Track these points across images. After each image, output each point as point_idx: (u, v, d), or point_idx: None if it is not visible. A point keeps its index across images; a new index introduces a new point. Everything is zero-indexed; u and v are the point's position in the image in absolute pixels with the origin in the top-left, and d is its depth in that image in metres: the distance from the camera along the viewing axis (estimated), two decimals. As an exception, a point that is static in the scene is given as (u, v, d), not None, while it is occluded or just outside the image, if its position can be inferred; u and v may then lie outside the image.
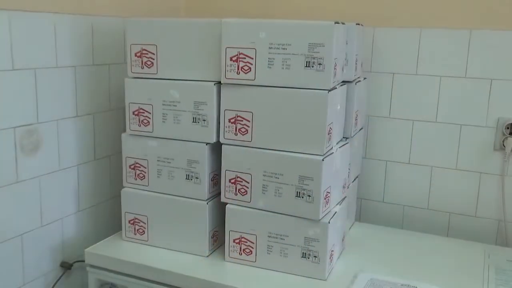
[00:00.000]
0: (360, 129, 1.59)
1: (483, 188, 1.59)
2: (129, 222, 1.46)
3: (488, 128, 1.56)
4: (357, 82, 1.46)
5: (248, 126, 1.29)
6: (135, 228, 1.46)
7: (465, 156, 1.60)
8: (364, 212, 1.75)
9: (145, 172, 1.43)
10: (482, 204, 1.60)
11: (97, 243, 1.46)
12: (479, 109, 1.56)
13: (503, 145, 1.53)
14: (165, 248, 1.43)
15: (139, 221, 1.45)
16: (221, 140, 1.33)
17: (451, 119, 1.60)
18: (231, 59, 1.27)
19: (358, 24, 1.46)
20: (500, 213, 1.57)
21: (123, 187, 1.47)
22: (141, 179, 1.44)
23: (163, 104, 1.37)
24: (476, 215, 1.61)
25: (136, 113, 1.40)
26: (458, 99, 1.58)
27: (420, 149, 1.65)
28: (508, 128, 1.53)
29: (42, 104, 1.38)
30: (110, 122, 1.62)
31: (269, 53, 1.23)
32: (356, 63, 1.45)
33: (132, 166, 1.44)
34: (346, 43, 1.37)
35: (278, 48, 1.22)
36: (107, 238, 1.50)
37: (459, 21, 1.55)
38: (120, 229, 1.51)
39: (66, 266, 1.51)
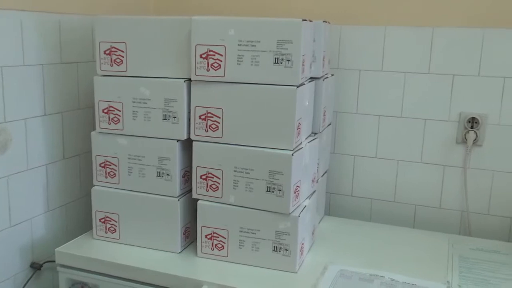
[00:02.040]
0: (328, 125, 1.62)
1: (447, 181, 1.64)
2: (99, 221, 1.45)
3: (451, 122, 1.61)
4: (324, 78, 1.48)
5: (219, 123, 1.29)
6: (106, 227, 1.45)
7: (429, 149, 1.64)
8: (334, 206, 1.78)
9: (115, 170, 1.42)
10: (446, 196, 1.65)
11: (68, 243, 1.44)
12: (442, 104, 1.61)
13: (465, 138, 1.59)
14: (136, 246, 1.43)
15: (110, 219, 1.44)
16: (192, 136, 1.33)
17: (415, 114, 1.64)
18: (201, 56, 1.27)
19: (325, 22, 1.48)
20: (463, 204, 1.62)
21: (93, 185, 1.45)
22: (112, 177, 1.43)
23: (133, 102, 1.36)
24: (441, 207, 1.66)
25: (105, 111, 1.39)
26: (422, 95, 1.62)
27: (387, 143, 1.69)
28: (469, 122, 1.58)
29: (9, 103, 1.36)
30: (79, 121, 1.60)
31: (239, 50, 1.24)
32: (323, 60, 1.47)
33: (102, 164, 1.43)
34: (314, 41, 1.39)
35: (247, 45, 1.23)
36: (77, 237, 1.48)
37: (422, 19, 1.59)
38: (91, 228, 1.49)
39: (36, 267, 1.49)
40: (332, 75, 1.61)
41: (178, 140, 1.35)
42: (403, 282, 1.26)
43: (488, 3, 1.52)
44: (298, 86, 1.23)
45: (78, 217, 1.64)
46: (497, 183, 1.58)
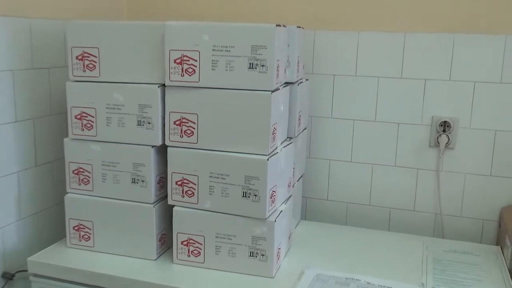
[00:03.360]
0: (304, 129, 1.63)
1: (420, 184, 1.66)
2: (73, 229, 1.43)
3: (424, 126, 1.63)
4: (299, 83, 1.49)
5: (194, 128, 1.29)
6: (80, 234, 1.43)
7: (403, 153, 1.66)
8: (310, 210, 1.79)
9: (89, 177, 1.40)
10: (420, 199, 1.67)
11: (41, 252, 1.42)
12: (415, 108, 1.63)
13: (437, 142, 1.61)
14: (111, 254, 1.41)
15: (84, 227, 1.42)
16: (167, 142, 1.32)
17: (389, 118, 1.66)
18: (175, 62, 1.27)
19: (299, 27, 1.49)
20: (437, 207, 1.65)
21: (67, 193, 1.43)
22: (85, 184, 1.41)
23: (107, 108, 1.35)
24: (415, 209, 1.68)
25: (78, 117, 1.38)
26: (395, 99, 1.65)
27: (361, 147, 1.70)
28: (441, 125, 1.60)
29: (-22, 109, 1.33)
30: (51, 127, 1.58)
31: (213, 55, 1.24)
32: (298, 65, 1.48)
33: (76, 171, 1.41)
34: (288, 46, 1.40)
35: (221, 50, 1.23)
36: (50, 246, 1.46)
37: (394, 24, 1.62)
38: (64, 236, 1.47)
39: (8, 277, 1.45)
40: (307, 80, 1.62)
41: (153, 146, 1.34)
42: (378, 285, 1.27)
43: (458, 10, 1.55)
44: (272, 91, 1.23)
45: (51, 225, 1.62)
46: (469, 186, 1.61)
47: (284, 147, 1.36)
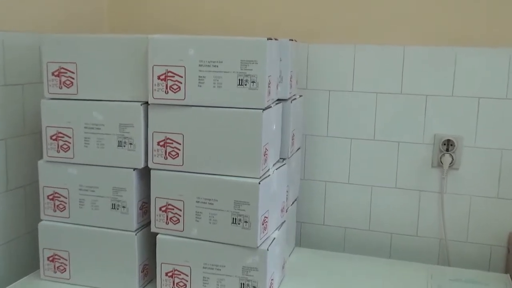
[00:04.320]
0: (298, 149, 1.62)
1: (423, 207, 1.66)
2: (48, 259, 1.40)
3: (425, 145, 1.63)
4: (292, 100, 1.49)
5: (179, 149, 1.28)
6: (55, 266, 1.40)
7: (404, 174, 1.66)
8: (305, 236, 1.77)
9: (65, 203, 1.38)
10: (423, 223, 1.66)
11: (12, 284, 1.39)
12: (415, 126, 1.63)
13: (441, 161, 1.61)
14: (89, 286, 1.38)
15: (59, 258, 1.40)
16: (150, 165, 1.31)
17: (388, 136, 1.66)
18: (158, 78, 1.26)
19: (292, 40, 1.49)
20: (441, 231, 1.64)
21: (41, 220, 1.41)
22: (61, 211, 1.38)
23: (85, 127, 1.34)
24: (418, 235, 1.67)
25: (54, 137, 1.36)
26: (395, 116, 1.65)
27: (359, 168, 1.70)
28: (444, 144, 1.60)
29: None
30: (24, 148, 1.56)
31: (200, 71, 1.23)
32: (291, 80, 1.48)
33: (51, 197, 1.39)
34: (280, 60, 1.40)
35: (208, 66, 1.23)
36: (23, 278, 1.43)
37: (393, 37, 1.62)
38: (38, 267, 1.44)
39: (-26, 313, 1.42)
40: (300, 96, 1.61)
41: (134, 169, 1.32)
42: (380, 318, 1.25)
43: (460, 21, 1.56)
44: (264, 109, 1.22)
45: (24, 255, 1.58)
46: (475, 209, 1.61)
47: (276, 169, 1.35)
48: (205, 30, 1.76)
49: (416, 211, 1.66)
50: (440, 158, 1.61)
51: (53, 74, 1.35)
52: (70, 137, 1.35)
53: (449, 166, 1.60)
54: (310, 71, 1.70)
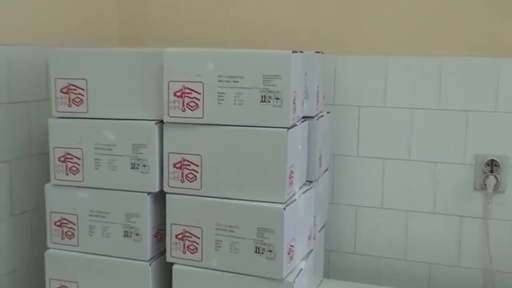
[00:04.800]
0: (325, 171, 1.62)
1: (465, 234, 1.64)
2: (55, 291, 1.42)
3: (467, 166, 1.62)
4: (319, 117, 1.49)
5: (197, 172, 1.29)
6: (62, 298, 1.42)
7: (443, 197, 1.65)
8: (334, 266, 1.77)
9: (74, 230, 1.40)
10: (465, 252, 1.64)
11: (15, 319, 1.40)
12: (455, 145, 1.63)
13: (484, 184, 1.60)
14: (99, 321, 1.39)
15: (67, 289, 1.41)
16: (165, 188, 1.32)
17: (425, 156, 1.66)
18: (175, 95, 1.28)
19: (318, 53, 1.51)
20: (486, 261, 1.62)
21: (48, 248, 1.43)
22: (70, 238, 1.40)
23: (96, 148, 1.36)
24: (459, 265, 1.65)
25: (62, 159, 1.38)
26: (432, 134, 1.64)
27: (393, 191, 1.69)
28: (488, 165, 1.59)
29: None
30: (30, 171, 1.58)
31: (219, 87, 1.25)
32: (317, 96, 1.49)
33: (58, 223, 1.41)
34: (306, 74, 1.41)
35: (228, 81, 1.24)
36: (27, 312, 1.44)
37: (429, 47, 1.63)
38: (44, 299, 1.46)
39: None
40: (328, 112, 1.62)
41: (149, 193, 1.34)
42: None
43: (503, 31, 1.56)
44: (289, 128, 1.23)
45: (29, 286, 1.60)
46: (523, 236, 1.59)
47: (303, 193, 1.36)
48: (223, 43, 1.78)
49: (457, 239, 1.64)
50: (484, 180, 1.59)
51: (61, 91, 1.37)
52: (79, 159, 1.37)
53: (494, 189, 1.58)
54: (338, 86, 1.71)
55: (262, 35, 1.76)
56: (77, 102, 1.37)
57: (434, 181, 1.65)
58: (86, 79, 1.36)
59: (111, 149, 1.35)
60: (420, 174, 1.66)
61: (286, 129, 1.23)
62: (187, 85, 1.27)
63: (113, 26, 1.91)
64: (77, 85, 1.36)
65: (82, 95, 1.36)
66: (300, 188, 1.37)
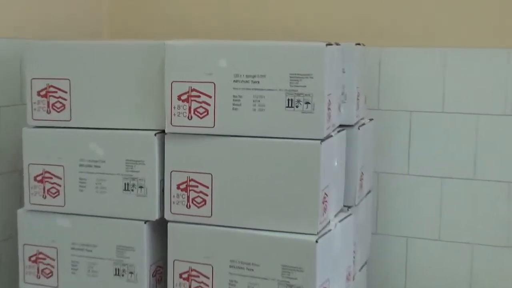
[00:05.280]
0: (368, 193, 1.62)
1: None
2: None
3: (548, 187, 1.61)
4: (360, 125, 1.49)
5: (206, 195, 1.29)
6: None
7: (518, 227, 1.64)
8: (378, 313, 1.77)
9: (53, 267, 1.40)
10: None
11: None
12: (533, 160, 1.62)
13: None
14: None
15: None
16: (167, 215, 1.32)
17: (496, 174, 1.65)
18: (179, 98, 1.28)
19: (359, 45, 1.50)
20: None
21: (20, 289, 1.43)
22: (47, 277, 1.41)
23: (81, 165, 1.36)
24: (539, 313, 1.63)
25: (39, 178, 1.39)
26: (504, 146, 1.63)
27: (454, 218, 1.69)
28: None
29: None
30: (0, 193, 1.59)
31: (234, 88, 1.25)
32: (358, 99, 1.49)
33: (34, 258, 1.41)
34: (343, 72, 1.41)
35: (247, 82, 1.24)
36: None
37: (497, 38, 1.62)
38: None
39: None
40: (371, 119, 1.62)
41: (146, 221, 1.34)
42: None
43: None
44: (322, 140, 1.23)
45: (-4, 336, 1.61)
46: None
47: (340, 221, 1.35)
48: (239, 34, 1.79)
49: (536, 280, 1.63)
50: None
51: (39, 94, 1.38)
52: (60, 178, 1.38)
53: None
54: (383, 85, 1.71)
55: (287, 24, 1.77)
56: (58, 107, 1.38)
57: (508, 206, 1.63)
58: (69, 79, 1.37)
59: (99, 166, 1.35)
60: (489, 197, 1.65)
61: (319, 141, 1.22)
62: (194, 86, 1.27)
63: (103, 18, 1.93)
64: (58, 86, 1.37)
65: (65, 99, 1.37)
66: (336, 215, 1.37)
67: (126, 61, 1.34)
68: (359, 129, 1.47)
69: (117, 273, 1.36)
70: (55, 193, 1.38)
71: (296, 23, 1.76)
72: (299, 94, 1.22)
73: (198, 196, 1.30)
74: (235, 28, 1.81)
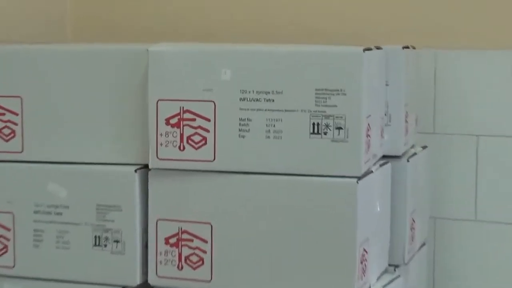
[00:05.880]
0: (421, 247, 1.61)
1: None
2: None
3: None
4: (410, 156, 1.48)
5: (205, 252, 1.29)
6: None
7: None
8: None
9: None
10: None
11: None
12: None
13: None
14: None
15: None
16: (152, 280, 1.32)
17: None
18: (168, 123, 1.27)
19: (407, 48, 1.49)
20: None
21: None
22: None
23: (36, 212, 1.37)
24: None
25: (-19, 230, 1.40)
26: None
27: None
28: None
29: None
30: None
31: (241, 109, 1.24)
32: (406, 121, 1.48)
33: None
34: (387, 85, 1.41)
35: (257, 100, 1.24)
36: None
37: None
38: None
39: None
40: (424, 147, 1.62)
41: None
42: None
43: None
44: (360, 178, 1.22)
45: None
46: None
47: (383, 286, 1.34)
48: (244, 36, 1.78)
49: None
50: None
51: (-20, 117, 1.40)
52: (9, 230, 1.38)
53: None
54: (440, 102, 1.71)
55: (308, 23, 1.77)
56: (6, 135, 1.39)
57: None
58: (20, 97, 1.37)
59: (61, 214, 1.36)
60: None
61: (355, 180, 1.21)
62: (188, 106, 1.27)
63: (65, 17, 1.95)
64: (7, 107, 1.38)
65: (15, 124, 1.38)
66: (378, 278, 1.37)
67: (96, 73, 1.34)
68: (408, 161, 1.46)
69: None
70: (2, 249, 1.39)
71: (319, 20, 1.76)
72: (328, 117, 1.21)
73: (194, 254, 1.29)
74: (241, 28, 1.81)
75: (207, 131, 1.26)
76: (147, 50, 1.28)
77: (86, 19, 1.95)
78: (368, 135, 1.24)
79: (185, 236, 1.29)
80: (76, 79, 1.35)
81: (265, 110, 1.23)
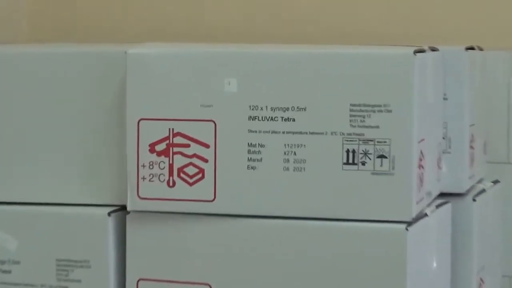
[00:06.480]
0: (493, 315, 1.60)
1: None
2: None
3: None
4: (477, 194, 1.48)
5: (202, 323, 1.29)
6: None
7: None
8: None
9: None
10: None
11: None
12: None
13: None
14: None
15: None
16: None
17: None
18: (152, 150, 1.27)
19: (472, 49, 1.49)
20: None
21: None
22: None
23: (-17, 271, 1.38)
24: None
25: None
26: None
27: None
28: None
29: None
30: None
31: (251, 131, 1.24)
32: (471, 146, 1.48)
33: None
34: (445, 98, 1.40)
35: (273, 119, 1.23)
36: None
37: None
38: None
39: None
40: (496, 182, 1.61)
41: None
42: None
43: None
44: (410, 223, 1.21)
45: None
46: None
47: None
48: (249, 36, 1.80)
49: None
50: None
51: None
52: None
53: None
54: (517, 119, 1.70)
55: (331, 21, 1.77)
56: None
57: None
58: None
59: (10, 272, 1.36)
60: None
61: (403, 226, 1.20)
62: (180, 127, 1.26)
63: (22, 14, 1.96)
64: None
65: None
66: None
67: (58, 83, 1.35)
68: (474, 200, 1.46)
69: None
70: None
71: (347, 17, 1.76)
72: (367, 141, 1.20)
73: (187, 327, 1.30)
74: (248, 25, 1.82)
75: (205, 161, 1.26)
76: (125, 52, 1.28)
77: (45, 14, 1.96)
78: (420, 166, 1.24)
79: (175, 302, 1.30)
80: (33, 93, 1.36)
81: (283, 132, 1.23)
